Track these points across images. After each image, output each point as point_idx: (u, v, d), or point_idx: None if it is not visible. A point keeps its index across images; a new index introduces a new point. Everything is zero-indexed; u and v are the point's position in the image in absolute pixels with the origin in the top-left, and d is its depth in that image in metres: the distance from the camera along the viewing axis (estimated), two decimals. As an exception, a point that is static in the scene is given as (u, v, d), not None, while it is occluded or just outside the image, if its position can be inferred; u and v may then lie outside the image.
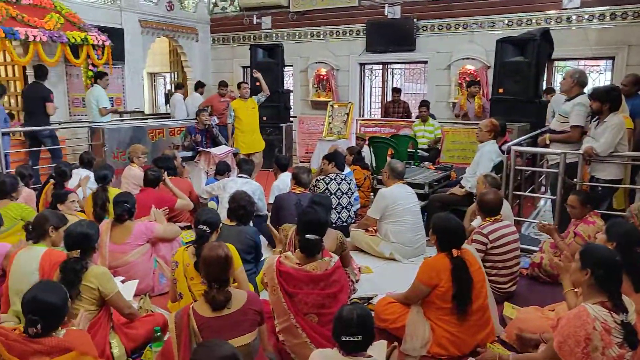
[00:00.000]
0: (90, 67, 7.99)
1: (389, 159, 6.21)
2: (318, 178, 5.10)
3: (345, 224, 5.01)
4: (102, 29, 8.26)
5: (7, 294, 3.01)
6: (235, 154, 7.29)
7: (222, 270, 2.41)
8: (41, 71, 7.19)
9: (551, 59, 7.76)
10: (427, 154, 7.23)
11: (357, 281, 3.90)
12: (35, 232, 3.12)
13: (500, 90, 6.92)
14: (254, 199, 4.15)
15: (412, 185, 4.99)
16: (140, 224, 3.80)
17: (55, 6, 7.86)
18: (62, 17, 7.70)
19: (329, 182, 5.04)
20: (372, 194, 5.93)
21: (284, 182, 5.34)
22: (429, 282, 2.90)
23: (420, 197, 5.00)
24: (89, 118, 7.57)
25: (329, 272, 2.83)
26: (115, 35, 8.68)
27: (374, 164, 6.71)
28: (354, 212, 5.26)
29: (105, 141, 6.72)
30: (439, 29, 8.90)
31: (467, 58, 8.58)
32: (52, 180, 5.14)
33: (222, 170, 5.89)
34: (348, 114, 8.63)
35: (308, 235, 2.79)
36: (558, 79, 8.50)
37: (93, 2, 8.80)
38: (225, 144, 7.31)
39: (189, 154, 7.00)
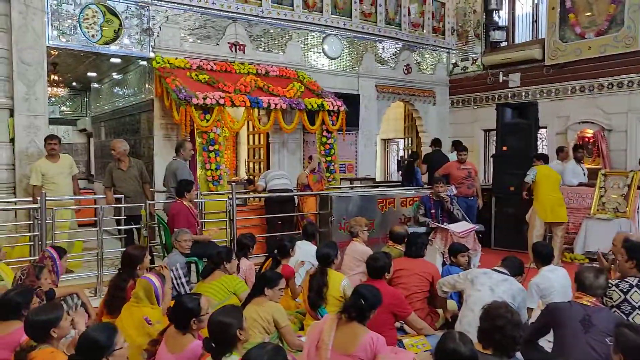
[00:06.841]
0: (325, 133, 7.83)
1: None
2: (610, 283, 3.48)
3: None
4: (339, 95, 8.19)
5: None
6: (478, 232, 6.05)
7: None
8: (437, 141, 8.79)
9: None
10: None
11: None
12: None
13: None
14: (514, 307, 2.84)
15: None
16: (371, 334, 2.81)
17: (298, 76, 8.08)
18: (303, 86, 7.82)
19: (628, 291, 3.38)
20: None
21: (547, 279, 3.91)
22: None
23: None
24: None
25: None
26: (351, 101, 8.63)
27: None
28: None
29: (333, 210, 6.20)
30: None
31: None
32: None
33: (456, 250, 4.73)
34: (630, 186, 6.66)
35: None
36: None
37: (334, 70, 8.89)
38: (466, 219, 6.11)
39: (422, 229, 6.00)
